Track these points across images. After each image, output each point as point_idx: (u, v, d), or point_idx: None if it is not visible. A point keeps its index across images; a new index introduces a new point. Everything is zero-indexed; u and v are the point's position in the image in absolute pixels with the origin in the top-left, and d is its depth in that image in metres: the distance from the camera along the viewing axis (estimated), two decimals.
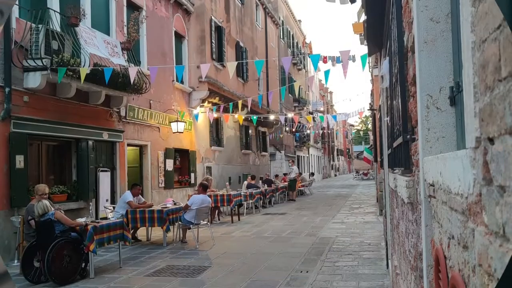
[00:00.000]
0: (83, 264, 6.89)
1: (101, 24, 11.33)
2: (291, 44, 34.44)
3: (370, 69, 14.74)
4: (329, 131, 50.47)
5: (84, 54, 9.49)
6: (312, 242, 9.56)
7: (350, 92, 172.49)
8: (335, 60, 16.25)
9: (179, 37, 15.85)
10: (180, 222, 9.65)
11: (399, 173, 3.35)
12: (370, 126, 40.78)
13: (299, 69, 36.39)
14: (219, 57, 17.43)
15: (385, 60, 4.55)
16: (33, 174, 9.16)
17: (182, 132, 14.51)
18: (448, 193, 1.38)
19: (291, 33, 34.71)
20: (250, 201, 15.38)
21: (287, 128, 29.62)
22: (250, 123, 21.94)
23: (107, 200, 11.00)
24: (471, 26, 1.03)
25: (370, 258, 7.77)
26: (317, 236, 10.37)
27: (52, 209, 6.89)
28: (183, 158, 15.98)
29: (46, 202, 6.91)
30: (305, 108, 36.57)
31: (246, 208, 15.36)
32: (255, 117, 18.24)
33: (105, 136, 11.12)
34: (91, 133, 10.57)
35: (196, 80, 16.18)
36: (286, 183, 21.37)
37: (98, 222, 7.31)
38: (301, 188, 24.24)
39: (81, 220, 7.25)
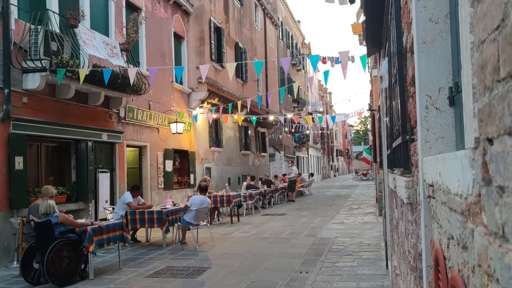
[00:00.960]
0: (83, 265, 6.89)
1: (100, 25, 11.32)
2: (290, 45, 34.45)
3: (369, 70, 14.73)
4: (329, 132, 50.52)
5: (83, 55, 9.48)
6: (311, 242, 9.56)
7: (349, 93, 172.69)
8: (334, 60, 16.25)
9: (178, 38, 15.85)
10: (179, 223, 9.65)
11: (399, 173, 3.35)
12: (369, 126, 40.78)
13: (298, 70, 36.40)
14: (218, 58, 17.43)
15: (384, 61, 4.55)
16: (32, 176, 9.16)
17: (181, 133, 14.51)
18: (448, 193, 1.38)
19: (290, 34, 34.72)
20: (250, 202, 15.37)
21: (286, 129, 29.61)
22: (249, 124, 21.93)
23: (106, 201, 11.00)
24: (470, 26, 1.03)
25: (369, 258, 7.77)
26: (317, 236, 10.37)
27: (57, 211, 6.89)
28: (183, 159, 15.98)
29: (52, 202, 6.91)
30: (304, 108, 36.58)
31: (246, 209, 15.36)
32: (254, 117, 18.23)
33: (105, 137, 11.11)
34: (90, 134, 10.56)
35: (195, 81, 16.18)
36: (286, 184, 21.37)
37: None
38: (300, 189, 24.24)
39: (81, 221, 7.26)
